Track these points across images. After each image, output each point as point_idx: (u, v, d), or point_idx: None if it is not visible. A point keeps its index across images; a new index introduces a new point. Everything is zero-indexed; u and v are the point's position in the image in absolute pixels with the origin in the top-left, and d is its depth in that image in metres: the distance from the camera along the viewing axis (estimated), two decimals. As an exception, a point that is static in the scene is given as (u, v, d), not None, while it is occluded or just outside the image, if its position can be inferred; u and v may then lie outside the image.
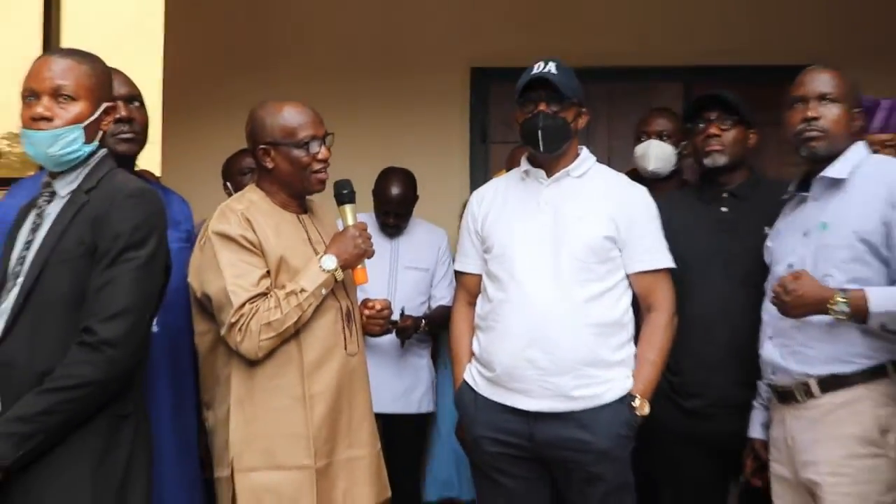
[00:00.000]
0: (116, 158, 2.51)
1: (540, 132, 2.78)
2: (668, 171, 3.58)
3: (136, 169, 2.77)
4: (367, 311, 2.78)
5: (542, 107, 2.79)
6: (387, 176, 4.09)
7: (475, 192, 3.07)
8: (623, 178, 2.98)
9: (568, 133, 2.81)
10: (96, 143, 2.33)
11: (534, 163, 2.89)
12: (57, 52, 2.37)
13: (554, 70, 2.79)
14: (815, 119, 2.62)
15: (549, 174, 2.86)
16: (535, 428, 2.76)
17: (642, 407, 2.75)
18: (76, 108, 2.28)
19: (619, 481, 2.77)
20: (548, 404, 2.74)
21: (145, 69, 2.77)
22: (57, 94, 2.27)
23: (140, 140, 2.72)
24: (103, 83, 2.34)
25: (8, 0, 5.66)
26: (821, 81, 2.64)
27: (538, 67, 2.81)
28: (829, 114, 2.62)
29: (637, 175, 3.50)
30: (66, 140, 2.27)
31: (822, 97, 2.63)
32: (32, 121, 2.26)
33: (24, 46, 2.32)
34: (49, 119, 2.26)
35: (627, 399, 2.75)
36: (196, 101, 5.05)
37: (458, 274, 3.04)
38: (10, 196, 2.65)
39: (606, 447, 2.72)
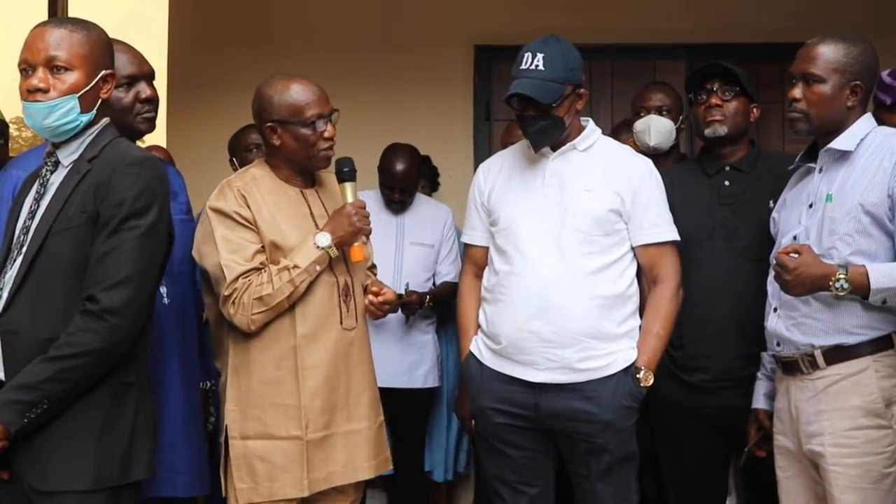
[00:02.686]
0: (132, 136, 2.52)
1: (527, 136, 2.79)
2: (669, 146, 3.52)
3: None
4: (370, 297, 2.76)
5: (530, 111, 2.75)
6: (391, 152, 4.05)
7: (481, 165, 3.04)
8: (629, 151, 2.94)
9: (559, 128, 2.76)
10: (93, 112, 2.28)
11: None
12: (52, 21, 2.31)
13: (541, 65, 2.71)
14: (797, 100, 2.57)
15: (555, 148, 2.82)
16: (540, 399, 2.74)
17: (646, 378, 2.73)
18: (71, 79, 2.23)
19: (622, 452, 2.76)
20: (553, 376, 2.72)
21: (150, 47, 2.74)
22: (51, 64, 2.22)
23: (156, 118, 2.69)
24: (100, 51, 2.28)
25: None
26: (807, 59, 2.56)
27: (526, 61, 2.73)
28: (810, 95, 2.55)
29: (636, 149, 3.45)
30: (61, 111, 2.22)
31: (805, 76, 2.56)
32: (29, 93, 2.23)
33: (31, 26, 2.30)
34: (44, 91, 2.21)
35: (632, 370, 2.73)
36: (200, 78, 5.03)
37: (465, 246, 3.01)
38: (14, 167, 2.61)
39: (611, 418, 2.71)
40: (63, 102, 2.22)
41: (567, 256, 2.73)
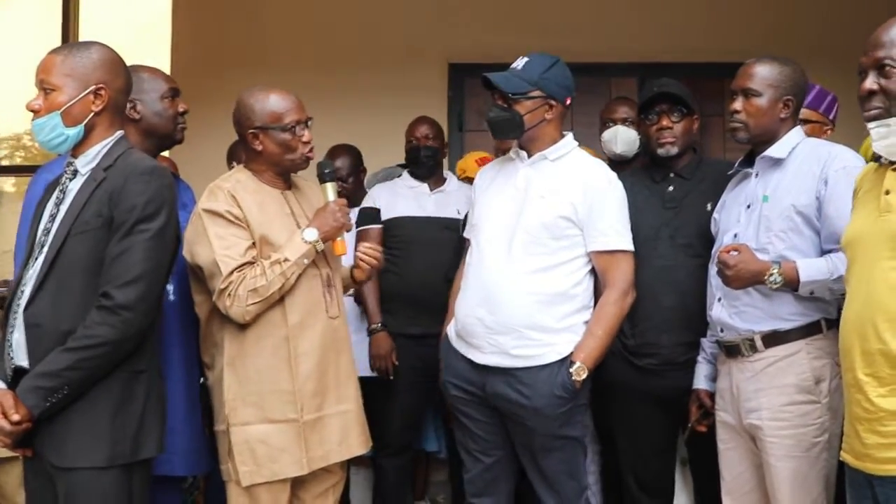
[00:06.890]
0: (168, 144, 2.62)
1: (486, 122, 2.82)
2: (633, 153, 3.53)
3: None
4: (363, 247, 2.81)
5: (499, 100, 2.78)
6: (333, 151, 4.00)
7: (481, 169, 3.09)
8: (597, 165, 2.90)
9: (517, 124, 2.76)
10: (81, 126, 2.26)
11: (521, 145, 2.86)
12: (53, 49, 2.31)
13: (521, 66, 2.77)
14: (737, 112, 2.63)
15: (529, 156, 2.84)
16: (486, 379, 2.77)
17: (578, 372, 2.69)
18: (53, 98, 2.23)
19: (553, 437, 2.74)
20: (493, 359, 2.75)
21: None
22: (42, 87, 2.24)
23: None
24: (89, 69, 2.26)
25: (29, 11, 5.65)
26: (746, 76, 2.62)
27: (514, 63, 2.79)
28: (749, 107, 2.61)
29: (610, 162, 3.45)
30: (47, 128, 2.24)
31: (745, 91, 2.61)
32: (34, 114, 2.26)
33: (45, 53, 2.30)
34: (36, 111, 2.24)
35: (567, 363, 2.71)
36: (199, 95, 4.95)
37: (465, 240, 3.02)
38: (45, 171, 2.62)
39: (539, 405, 2.70)
40: (47, 120, 2.24)
41: (513, 255, 2.73)
